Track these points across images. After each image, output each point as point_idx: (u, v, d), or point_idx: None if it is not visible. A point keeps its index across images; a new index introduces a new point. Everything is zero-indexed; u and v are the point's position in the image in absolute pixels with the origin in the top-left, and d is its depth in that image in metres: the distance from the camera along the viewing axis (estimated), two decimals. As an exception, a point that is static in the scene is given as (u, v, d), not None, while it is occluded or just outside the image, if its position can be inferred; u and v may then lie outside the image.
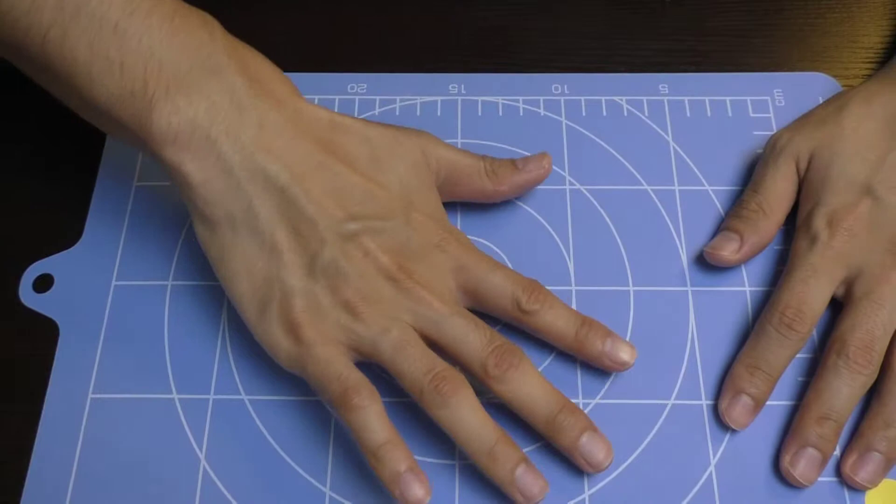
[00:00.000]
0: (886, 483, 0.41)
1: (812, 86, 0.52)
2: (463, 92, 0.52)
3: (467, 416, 0.39)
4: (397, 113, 0.52)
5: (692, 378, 0.44)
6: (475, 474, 0.42)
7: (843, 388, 0.41)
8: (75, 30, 0.38)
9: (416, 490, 0.37)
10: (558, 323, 0.42)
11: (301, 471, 0.42)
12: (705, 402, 0.43)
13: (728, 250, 0.45)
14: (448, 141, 0.50)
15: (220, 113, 0.40)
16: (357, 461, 0.42)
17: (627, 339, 0.45)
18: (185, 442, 0.43)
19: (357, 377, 0.39)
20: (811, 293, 0.42)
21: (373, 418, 0.38)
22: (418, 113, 0.52)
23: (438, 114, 0.52)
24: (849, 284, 0.43)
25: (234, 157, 0.40)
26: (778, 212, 0.46)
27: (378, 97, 0.52)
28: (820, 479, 0.41)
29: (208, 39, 0.40)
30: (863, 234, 0.43)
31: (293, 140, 0.41)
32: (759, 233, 0.45)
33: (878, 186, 0.44)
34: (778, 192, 0.46)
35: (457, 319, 0.41)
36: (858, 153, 0.45)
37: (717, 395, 0.43)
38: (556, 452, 0.42)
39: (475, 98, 0.52)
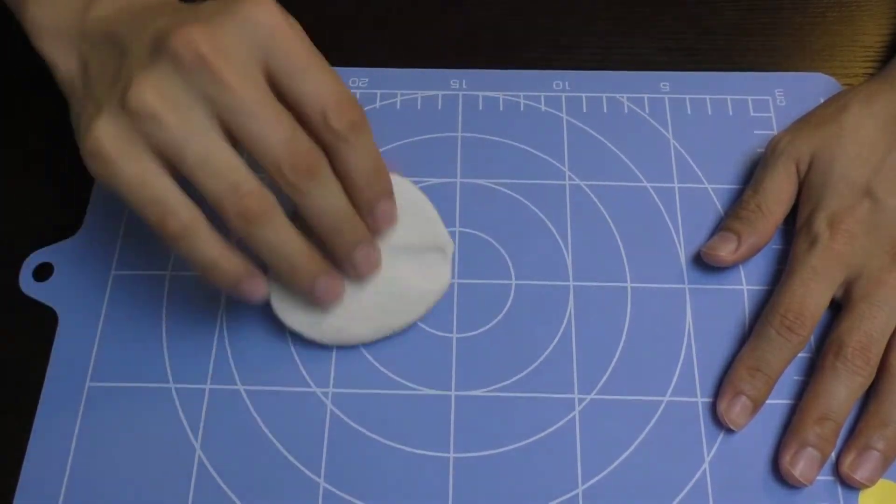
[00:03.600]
0: (881, 483, 0.41)
1: (813, 86, 0.52)
2: (464, 87, 0.53)
3: (275, 236, 0.37)
4: (398, 107, 0.52)
5: (688, 375, 0.44)
6: (470, 467, 0.42)
7: (842, 389, 0.41)
8: None
9: (259, 286, 0.38)
10: (355, 169, 0.38)
11: (295, 461, 0.42)
12: (700, 400, 0.43)
13: (725, 251, 0.45)
14: (448, 135, 0.51)
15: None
16: (352, 452, 0.42)
17: (624, 335, 0.45)
18: (181, 431, 0.43)
19: (173, 197, 0.37)
20: (812, 295, 0.42)
21: (199, 242, 0.37)
22: (419, 107, 0.52)
23: (439, 108, 0.52)
24: (848, 286, 0.43)
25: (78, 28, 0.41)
26: (777, 213, 0.46)
27: (379, 91, 0.52)
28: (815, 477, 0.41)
29: None
30: (862, 237, 0.43)
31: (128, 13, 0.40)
32: (757, 233, 0.45)
33: (878, 188, 0.44)
34: (777, 193, 0.46)
35: (250, 95, 0.36)
36: (859, 155, 0.45)
37: (713, 392, 0.43)
38: (550, 447, 0.42)
39: (476, 93, 0.52)
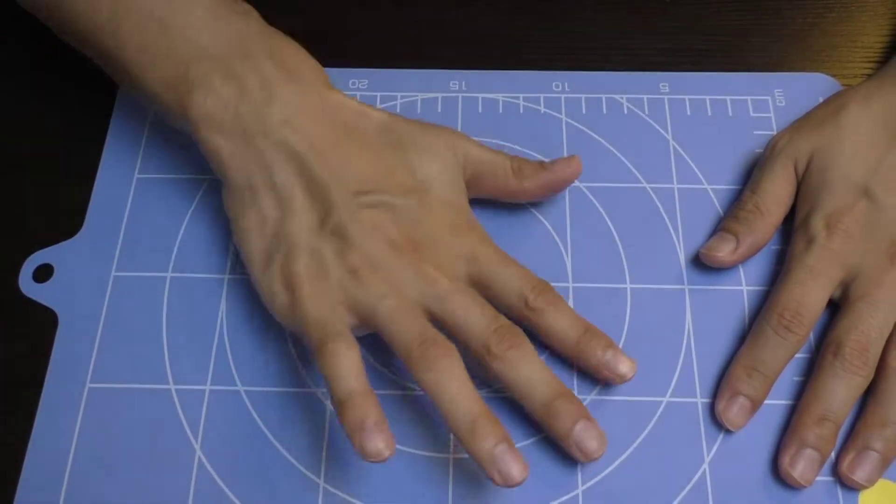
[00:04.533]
0: (881, 484, 0.41)
1: (813, 86, 0.52)
2: (464, 88, 0.53)
3: (452, 384, 0.38)
4: (398, 109, 0.52)
5: (687, 376, 0.44)
6: (470, 468, 0.42)
7: (840, 389, 0.41)
8: (127, 24, 0.44)
9: (378, 442, 0.36)
10: (561, 325, 0.42)
11: (296, 462, 0.42)
12: (700, 400, 0.43)
13: (724, 251, 0.45)
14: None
15: (250, 94, 0.43)
16: (352, 453, 0.42)
17: (623, 336, 0.45)
18: (181, 432, 0.43)
19: (340, 327, 0.39)
20: (809, 295, 0.42)
21: (345, 366, 0.38)
22: (419, 110, 0.52)
23: (439, 110, 0.52)
24: (846, 286, 0.43)
25: (259, 131, 0.43)
26: (775, 213, 0.46)
27: (379, 93, 0.52)
28: (815, 478, 0.41)
29: (244, 27, 0.45)
30: (860, 236, 0.43)
31: (315, 120, 0.43)
32: (755, 234, 0.45)
33: (876, 188, 0.44)
34: (776, 193, 0.46)
35: (461, 297, 0.40)
36: (857, 155, 0.45)
37: (712, 393, 0.43)
38: (550, 447, 0.42)
39: (476, 95, 0.52)
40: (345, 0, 0.56)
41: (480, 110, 0.52)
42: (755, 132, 0.51)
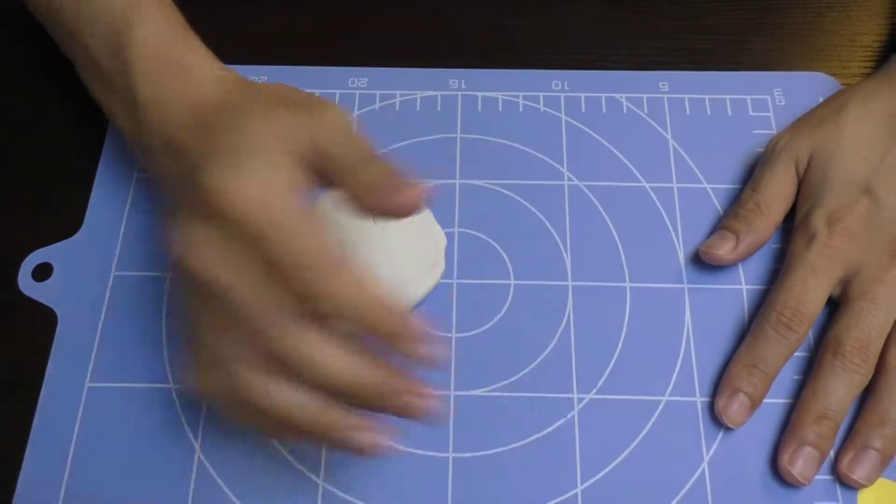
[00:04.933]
0: (880, 482, 0.41)
1: (812, 85, 0.52)
2: (463, 87, 0.53)
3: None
4: (397, 108, 0.52)
5: (687, 375, 0.44)
6: (469, 467, 0.42)
7: (840, 388, 0.41)
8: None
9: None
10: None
11: (295, 462, 0.42)
12: (699, 399, 0.43)
13: (724, 249, 0.45)
14: (447, 136, 0.51)
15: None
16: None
17: (623, 335, 0.45)
18: (181, 431, 0.43)
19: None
20: (809, 293, 0.43)
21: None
22: (418, 108, 0.52)
23: (438, 109, 0.52)
24: (846, 284, 0.43)
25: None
26: (776, 212, 0.46)
27: (378, 91, 0.52)
28: (814, 476, 0.41)
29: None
30: (861, 234, 0.43)
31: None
32: (755, 232, 0.45)
33: (876, 186, 0.44)
34: (777, 191, 0.46)
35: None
36: (857, 153, 0.45)
37: (712, 392, 0.43)
38: (549, 447, 0.42)
39: (475, 93, 0.52)
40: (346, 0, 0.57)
41: (480, 109, 0.52)
42: (754, 131, 0.51)
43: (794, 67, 0.53)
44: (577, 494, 0.41)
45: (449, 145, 0.51)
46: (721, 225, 0.47)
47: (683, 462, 0.42)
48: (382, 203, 0.37)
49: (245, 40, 0.51)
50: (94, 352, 0.45)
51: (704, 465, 0.42)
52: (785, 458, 0.41)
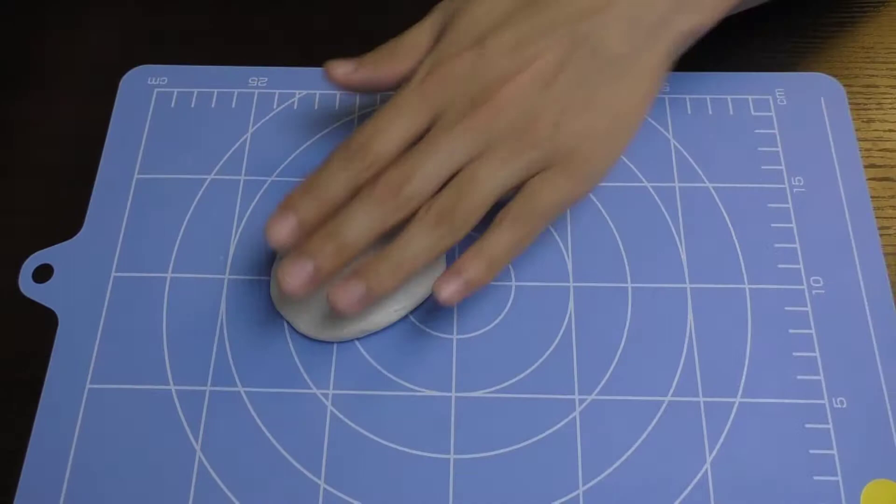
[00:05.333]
0: (883, 483, 0.41)
1: (814, 86, 0.52)
2: (464, 88, 0.52)
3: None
4: (398, 108, 0.52)
5: (689, 375, 0.44)
6: (470, 469, 0.42)
7: (360, 214, 0.40)
8: None
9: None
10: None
11: (296, 463, 0.42)
12: (702, 400, 0.43)
13: (341, 69, 0.45)
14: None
15: None
16: (352, 454, 0.42)
17: (625, 335, 0.45)
18: (182, 433, 0.43)
19: None
20: (383, 129, 0.41)
21: None
22: (419, 108, 0.52)
23: (439, 110, 0.52)
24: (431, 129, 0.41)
25: None
26: (409, 52, 0.44)
27: (378, 93, 0.52)
28: (817, 477, 0.41)
29: None
30: (456, 82, 0.41)
31: None
32: (380, 62, 0.44)
33: (488, 40, 0.42)
34: (414, 37, 0.45)
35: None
36: (489, 10, 0.43)
37: (715, 392, 0.43)
38: (550, 448, 0.42)
39: (476, 94, 0.52)
40: (344, 1, 0.56)
41: (481, 110, 0.52)
42: (756, 131, 0.51)
43: (796, 68, 0.53)
44: (578, 496, 0.41)
45: (450, 146, 0.51)
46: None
47: (686, 463, 0.42)
48: None
49: (244, 41, 0.51)
50: (95, 353, 0.45)
51: (707, 466, 0.42)
52: (281, 264, 0.40)
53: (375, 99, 0.52)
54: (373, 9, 0.56)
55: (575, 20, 0.42)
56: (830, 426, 0.43)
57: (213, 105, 0.52)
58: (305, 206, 0.40)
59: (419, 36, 0.45)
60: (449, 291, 0.40)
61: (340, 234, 0.40)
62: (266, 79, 0.53)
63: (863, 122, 0.52)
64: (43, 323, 0.46)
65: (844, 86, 0.52)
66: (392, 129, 0.41)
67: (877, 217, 0.48)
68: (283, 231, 0.40)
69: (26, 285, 0.46)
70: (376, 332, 0.45)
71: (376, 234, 0.40)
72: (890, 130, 0.51)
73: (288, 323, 0.45)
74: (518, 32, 0.42)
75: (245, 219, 0.48)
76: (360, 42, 0.55)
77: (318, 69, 0.52)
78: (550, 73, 0.41)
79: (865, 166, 0.50)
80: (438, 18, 0.45)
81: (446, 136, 0.41)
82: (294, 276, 0.39)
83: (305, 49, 0.54)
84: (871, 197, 0.49)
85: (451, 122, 0.41)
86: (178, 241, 0.48)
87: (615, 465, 0.42)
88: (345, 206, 0.40)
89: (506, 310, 0.46)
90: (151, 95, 0.52)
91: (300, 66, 0.53)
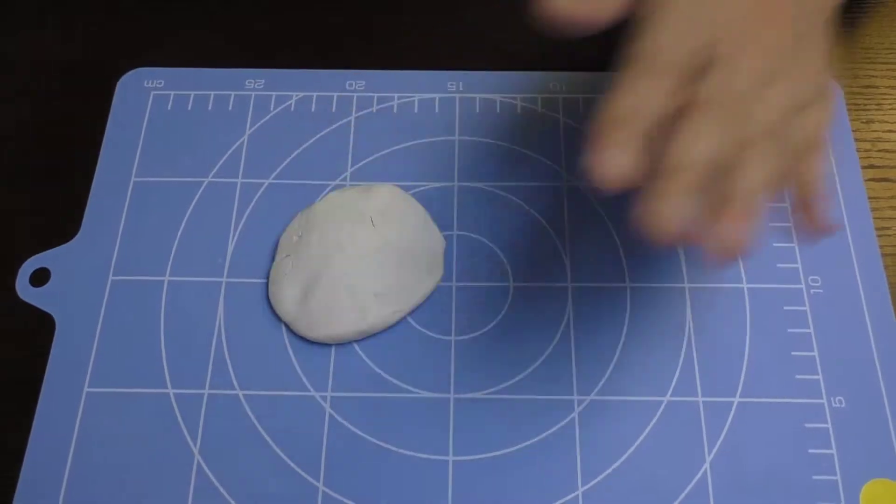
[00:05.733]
0: (882, 482, 0.41)
1: (811, 85, 0.52)
2: (461, 89, 0.52)
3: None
4: (395, 110, 0.52)
5: (688, 375, 0.44)
6: (469, 470, 0.42)
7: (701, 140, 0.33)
8: None
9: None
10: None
11: (294, 466, 0.42)
12: (701, 400, 0.43)
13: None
14: (446, 138, 0.51)
15: None
16: (351, 456, 0.42)
17: (623, 335, 0.45)
18: (180, 436, 0.43)
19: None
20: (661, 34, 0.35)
21: None
22: (416, 110, 0.52)
23: (436, 111, 0.52)
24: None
25: None
26: None
27: (376, 94, 0.52)
28: (816, 476, 0.41)
29: None
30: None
31: None
32: None
33: None
34: None
35: None
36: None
37: (714, 392, 0.43)
38: (550, 449, 0.42)
39: (473, 95, 0.52)
40: (344, 3, 0.56)
41: (478, 111, 0.52)
42: (754, 131, 0.51)
43: (792, 67, 0.53)
44: (578, 497, 0.41)
45: (447, 148, 0.51)
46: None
47: (685, 463, 0.42)
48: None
49: (241, 43, 0.51)
50: (93, 357, 0.45)
51: (706, 465, 0.42)
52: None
53: (372, 102, 0.52)
54: (372, 11, 0.56)
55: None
56: (829, 425, 0.42)
57: (209, 108, 0.52)
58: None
59: None
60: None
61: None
62: (263, 81, 0.53)
63: (862, 122, 0.52)
64: (41, 327, 0.45)
65: (844, 86, 0.52)
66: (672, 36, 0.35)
67: (876, 217, 0.48)
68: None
69: (23, 289, 0.46)
70: (374, 335, 0.45)
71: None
72: (889, 131, 0.51)
73: (286, 325, 0.45)
74: None
75: (243, 221, 0.48)
76: (359, 44, 0.55)
77: (315, 71, 0.53)
78: None
79: (865, 167, 0.50)
80: None
81: (741, 52, 0.34)
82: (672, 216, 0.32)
83: (302, 51, 0.54)
84: (871, 197, 0.49)
85: (736, 41, 0.34)
86: (175, 244, 0.48)
87: (614, 466, 0.42)
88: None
89: (504, 311, 0.46)
90: (148, 98, 0.52)
91: (297, 68, 0.53)
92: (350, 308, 0.44)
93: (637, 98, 0.33)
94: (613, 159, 0.32)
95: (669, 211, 0.31)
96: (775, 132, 0.34)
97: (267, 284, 0.46)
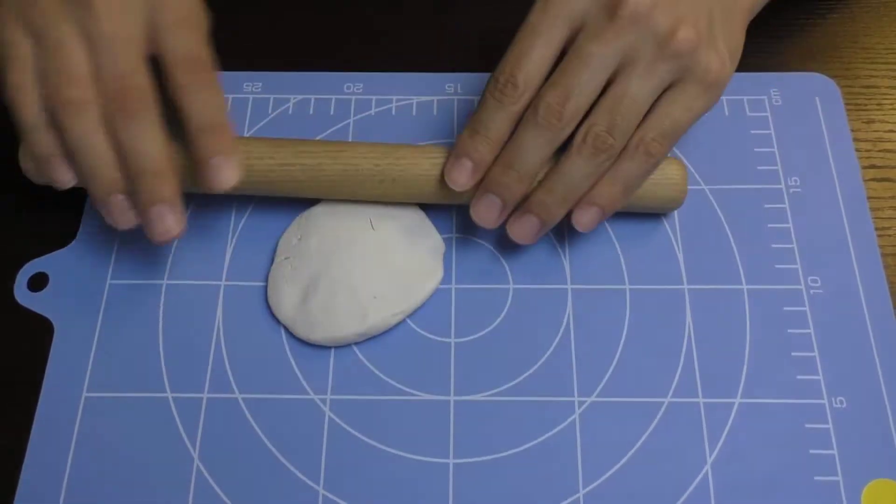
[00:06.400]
0: (884, 483, 0.41)
1: (808, 85, 0.52)
2: (459, 92, 0.52)
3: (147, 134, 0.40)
4: (393, 113, 0.52)
5: (689, 376, 0.44)
6: (470, 472, 0.42)
7: (530, 141, 0.41)
8: None
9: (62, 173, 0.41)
10: (195, 108, 0.41)
11: (294, 469, 0.42)
12: (702, 400, 0.43)
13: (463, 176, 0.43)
14: (444, 140, 0.51)
15: None
16: (351, 459, 0.42)
17: (623, 337, 0.45)
18: (179, 441, 0.43)
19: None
20: (526, 55, 0.41)
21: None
22: (414, 112, 0.52)
23: (434, 113, 0.52)
24: (569, 42, 0.41)
25: None
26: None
27: (374, 97, 0.52)
28: (817, 477, 0.41)
29: None
30: None
31: None
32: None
33: None
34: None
35: (113, 44, 0.40)
36: None
37: (715, 393, 0.43)
38: (551, 452, 0.42)
39: (471, 97, 0.52)
40: (341, 5, 0.56)
41: (476, 113, 0.52)
42: (752, 131, 0.51)
43: (794, 68, 0.53)
44: (579, 499, 0.41)
45: (446, 150, 0.51)
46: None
47: (686, 464, 0.42)
48: (197, 165, 0.42)
49: (239, 46, 0.51)
50: (91, 362, 0.45)
51: (707, 467, 0.42)
52: (471, 203, 0.43)
53: (370, 105, 0.52)
54: (370, 13, 0.56)
55: None
56: (830, 426, 0.42)
57: (207, 111, 0.52)
58: (477, 149, 0.42)
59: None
60: (587, 219, 0.42)
61: (516, 164, 0.42)
62: (260, 84, 0.53)
63: (863, 122, 0.52)
64: (39, 332, 0.45)
65: (845, 86, 0.52)
66: (533, 52, 0.41)
67: (876, 218, 0.48)
68: (462, 175, 0.43)
69: (21, 294, 0.46)
70: (374, 337, 0.45)
71: (548, 157, 0.42)
72: (890, 131, 0.51)
73: (285, 328, 0.45)
74: None
75: (241, 224, 0.48)
76: (356, 46, 0.55)
77: (313, 73, 0.53)
78: None
79: (865, 167, 0.50)
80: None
81: (595, 44, 0.40)
82: (487, 212, 0.43)
83: (300, 54, 0.54)
84: (871, 198, 0.49)
85: (595, 30, 0.40)
86: (173, 248, 0.48)
87: (615, 468, 0.42)
88: (512, 137, 0.42)
89: (504, 313, 0.46)
90: (146, 102, 0.52)
91: (295, 70, 0.53)
92: (350, 310, 0.44)
93: (490, 117, 0.42)
94: (464, 170, 0.42)
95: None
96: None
97: (266, 287, 0.46)
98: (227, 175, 0.41)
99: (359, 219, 0.46)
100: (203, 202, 0.49)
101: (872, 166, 0.50)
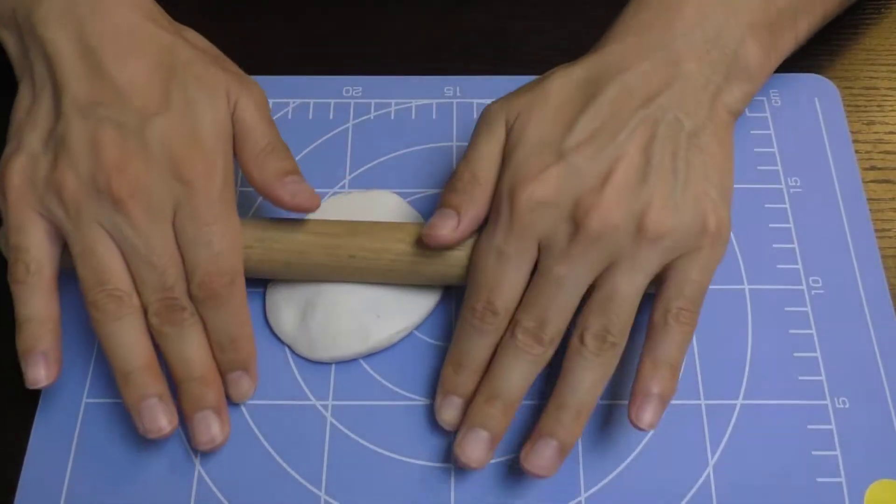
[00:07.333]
0: (887, 484, 0.41)
1: (808, 87, 0.52)
2: (458, 95, 0.52)
3: (119, 334, 0.40)
4: (392, 116, 0.52)
5: (690, 377, 0.44)
6: (471, 477, 0.41)
7: (513, 369, 0.40)
8: None
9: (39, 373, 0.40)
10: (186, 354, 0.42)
11: (296, 474, 0.42)
12: (704, 403, 0.43)
13: (447, 228, 0.42)
14: (444, 144, 0.51)
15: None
16: (353, 464, 0.42)
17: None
18: (181, 446, 0.42)
19: (34, 253, 0.41)
20: (497, 283, 0.40)
21: (32, 294, 0.41)
22: (413, 116, 0.52)
23: (434, 117, 0.52)
24: (540, 256, 0.41)
25: (26, 26, 0.43)
26: (491, 179, 0.42)
27: (373, 100, 0.52)
28: (820, 479, 0.41)
29: None
30: (550, 204, 0.40)
31: (83, 21, 0.43)
32: (476, 204, 0.42)
33: (567, 148, 0.41)
34: (487, 158, 0.42)
35: (148, 240, 0.40)
36: (555, 116, 0.42)
37: (716, 394, 0.43)
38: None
39: (470, 100, 0.52)
40: (339, 8, 0.56)
41: (475, 116, 0.52)
42: (752, 132, 0.51)
43: (795, 69, 0.53)
44: (581, 502, 0.41)
45: (445, 153, 0.51)
46: (439, 203, 0.43)
47: (688, 466, 0.42)
48: (268, 193, 0.43)
49: (237, 50, 0.50)
50: (91, 367, 0.44)
51: (710, 469, 0.41)
52: (456, 442, 0.40)
53: (369, 108, 0.52)
54: (369, 16, 0.56)
55: (641, 107, 0.41)
56: (833, 427, 0.42)
57: (207, 116, 0.52)
58: (463, 382, 0.41)
59: (488, 150, 0.42)
60: (649, 416, 0.39)
61: (502, 394, 0.40)
62: (260, 89, 0.53)
63: (863, 124, 0.52)
64: (39, 338, 0.45)
65: (845, 88, 0.52)
66: (506, 279, 0.40)
67: (877, 219, 0.48)
68: (453, 414, 0.41)
69: (22, 300, 0.46)
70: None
71: (532, 379, 0.41)
72: (890, 133, 0.51)
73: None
74: (593, 133, 0.41)
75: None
76: (355, 49, 0.55)
77: (312, 78, 0.53)
78: (641, 164, 0.40)
79: (866, 168, 0.50)
80: (495, 127, 0.43)
81: (565, 265, 0.39)
82: (475, 449, 0.40)
83: (298, 58, 0.54)
84: (872, 199, 0.49)
85: (562, 249, 0.40)
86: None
87: (617, 470, 0.42)
88: (493, 363, 0.41)
89: (504, 316, 0.45)
90: (145, 108, 0.52)
91: (294, 74, 0.53)
92: (352, 330, 0.44)
93: (472, 347, 0.41)
94: (454, 408, 0.42)
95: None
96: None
97: (264, 296, 0.46)
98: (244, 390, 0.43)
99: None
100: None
101: (873, 168, 0.50)
